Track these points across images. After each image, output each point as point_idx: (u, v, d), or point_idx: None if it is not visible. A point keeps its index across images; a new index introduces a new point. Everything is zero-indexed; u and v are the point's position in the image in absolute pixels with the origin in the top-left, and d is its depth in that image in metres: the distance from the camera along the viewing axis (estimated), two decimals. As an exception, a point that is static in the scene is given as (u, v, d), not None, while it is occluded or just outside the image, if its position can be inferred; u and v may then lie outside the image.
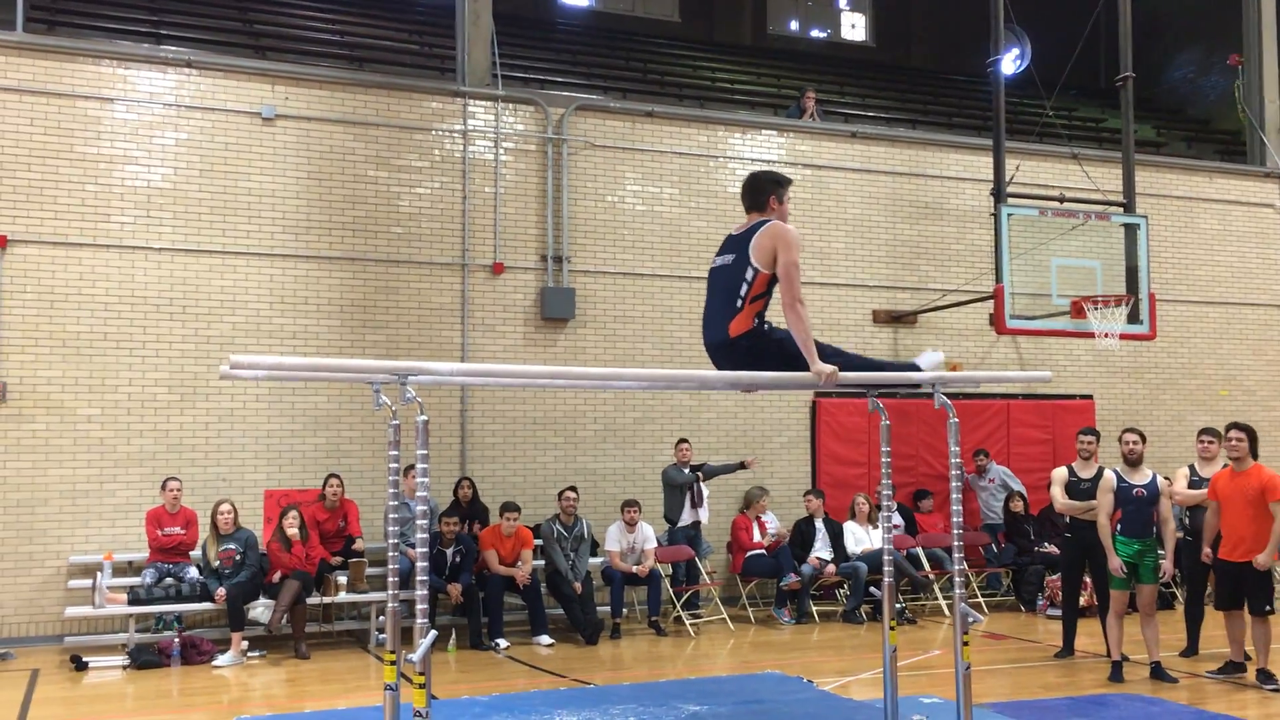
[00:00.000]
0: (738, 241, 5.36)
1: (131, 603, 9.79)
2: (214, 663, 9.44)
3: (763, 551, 11.79)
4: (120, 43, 11.35)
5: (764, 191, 5.45)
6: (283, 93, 11.59)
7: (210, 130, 11.32)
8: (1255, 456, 8.38)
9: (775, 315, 5.33)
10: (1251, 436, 8.37)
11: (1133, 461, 8.58)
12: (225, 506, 10.13)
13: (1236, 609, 8.40)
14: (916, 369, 5.64)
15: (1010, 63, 12.59)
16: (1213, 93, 18.81)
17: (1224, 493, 8.37)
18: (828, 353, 5.39)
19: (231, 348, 10.92)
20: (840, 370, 5.19)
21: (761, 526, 11.93)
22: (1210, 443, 9.08)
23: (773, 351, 5.26)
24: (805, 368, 5.13)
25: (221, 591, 9.77)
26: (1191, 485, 9.10)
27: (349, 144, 11.79)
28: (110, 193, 10.93)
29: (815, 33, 20.38)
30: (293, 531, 10.02)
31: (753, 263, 5.23)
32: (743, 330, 5.26)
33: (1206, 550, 8.69)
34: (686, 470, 11.76)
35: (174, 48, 11.69)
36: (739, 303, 5.26)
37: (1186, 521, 9.53)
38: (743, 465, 11.94)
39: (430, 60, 14.48)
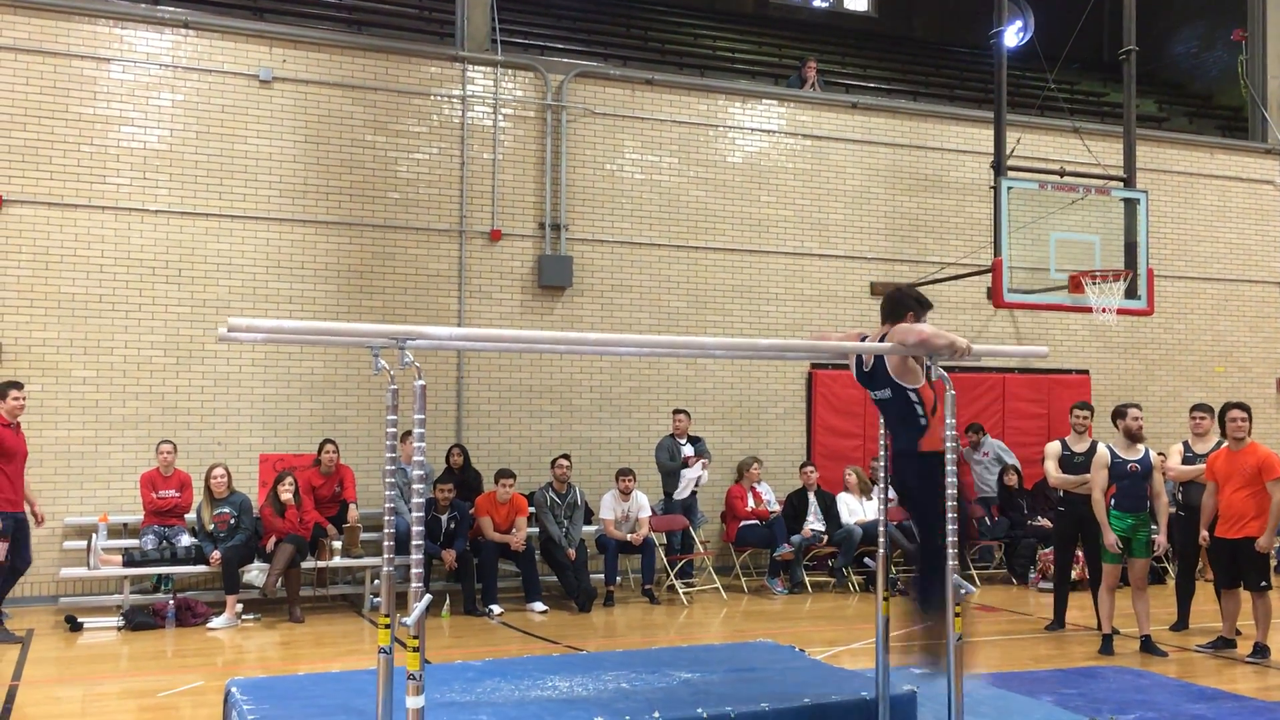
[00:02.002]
0: (880, 370, 5.36)
1: (127, 565, 9.82)
2: (209, 625, 9.48)
3: (756, 521, 11.83)
4: (117, 2, 11.24)
5: (904, 307, 5.48)
6: (280, 55, 11.51)
7: (207, 92, 11.24)
8: (1249, 435, 8.42)
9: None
10: (1250, 416, 8.41)
11: (1136, 437, 8.58)
12: (218, 470, 10.14)
13: (1233, 586, 8.45)
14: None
15: (1013, 35, 12.52)
16: (1215, 68, 18.73)
17: (1221, 471, 8.40)
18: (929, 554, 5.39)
19: (228, 311, 10.90)
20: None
21: (756, 495, 11.95)
22: (1202, 418, 9.10)
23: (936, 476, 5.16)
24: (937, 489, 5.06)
25: (216, 554, 9.80)
26: (1185, 461, 9.13)
27: (347, 108, 11.72)
28: (106, 154, 10.87)
29: (817, 2, 20.22)
30: (287, 496, 10.03)
31: (904, 387, 5.31)
32: (936, 446, 5.22)
33: (1204, 534, 8.69)
34: (684, 443, 11.78)
35: (171, 8, 11.59)
36: (923, 422, 5.34)
37: (1179, 497, 9.56)
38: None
39: (429, 24, 14.36)
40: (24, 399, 9.19)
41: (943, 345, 5.06)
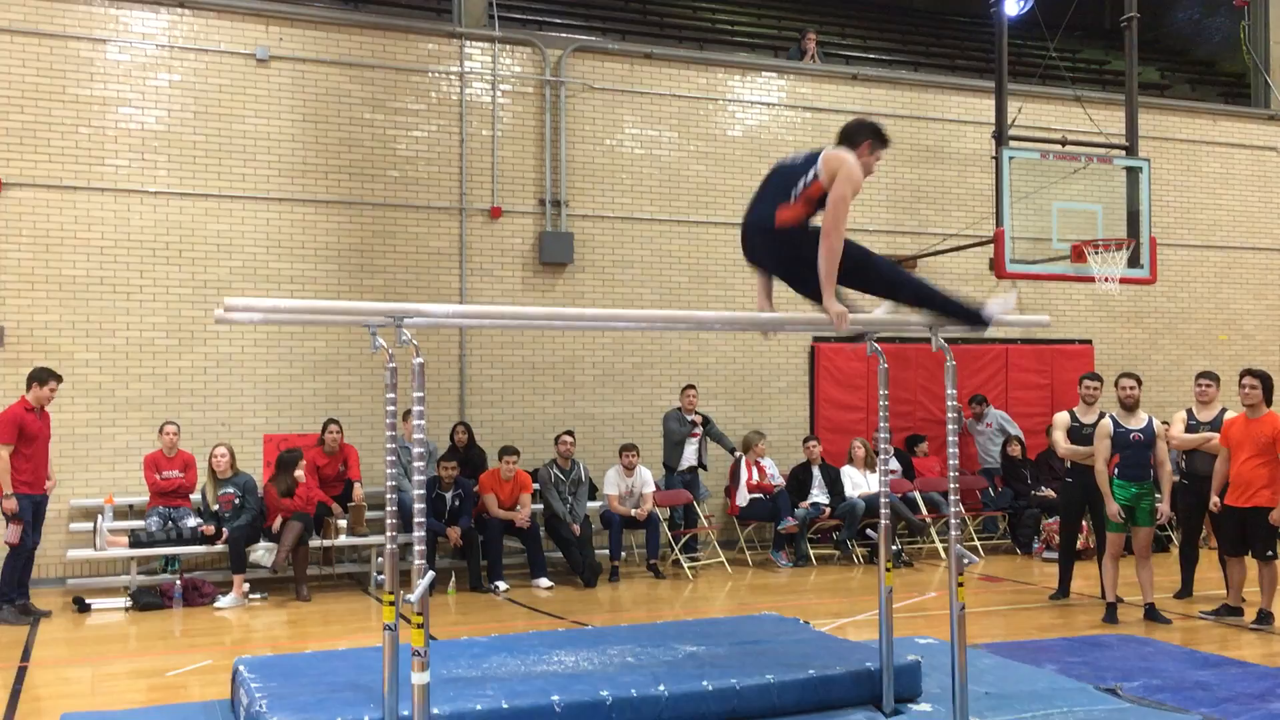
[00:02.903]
0: (814, 153, 5.19)
1: (133, 546, 9.86)
2: (216, 604, 9.53)
3: (761, 495, 11.84)
4: (111, -18, 11.19)
5: (861, 135, 5.29)
6: (277, 33, 11.45)
7: (204, 72, 11.20)
8: (1270, 404, 8.34)
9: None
10: (1266, 383, 8.31)
11: (1129, 406, 8.59)
12: (220, 450, 10.16)
13: (1240, 554, 8.45)
14: (978, 314, 5.29)
15: (1013, 4, 12.39)
16: (1218, 35, 18.60)
17: (1236, 439, 8.34)
18: (896, 278, 5.27)
19: (229, 292, 10.89)
20: (902, 301, 5.08)
21: (761, 470, 11.96)
22: (1207, 386, 9.09)
23: (809, 259, 5.02)
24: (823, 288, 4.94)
25: (211, 529, 9.82)
26: (1189, 429, 9.12)
27: (344, 86, 11.67)
28: (104, 135, 10.84)
29: (816, -27, 20.05)
30: (300, 474, 10.06)
31: (818, 167, 5.06)
32: (787, 223, 5.07)
33: (1215, 500, 8.62)
34: (690, 418, 11.79)
35: (166, -13, 11.53)
36: (792, 195, 5.07)
37: (1183, 465, 9.56)
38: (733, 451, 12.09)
39: (426, 1, 14.28)
40: (56, 390, 9.29)
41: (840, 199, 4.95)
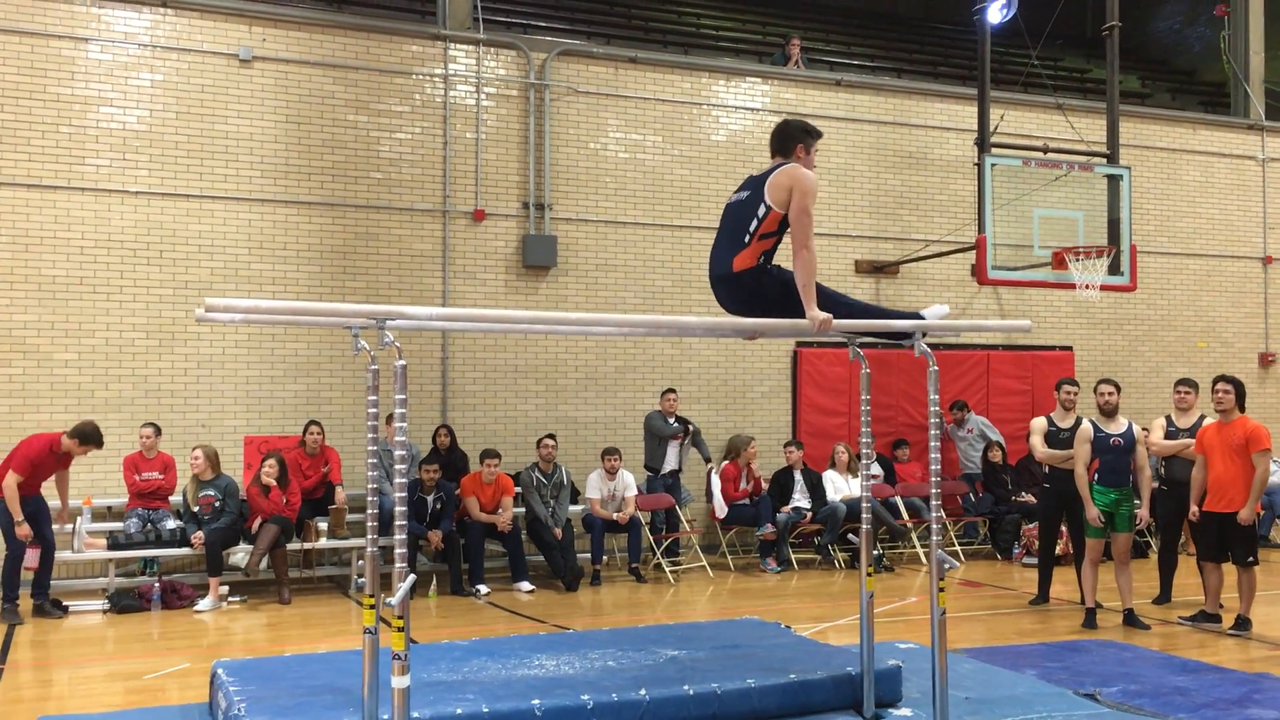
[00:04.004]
0: (756, 181, 5.27)
1: (111, 548, 9.79)
2: (195, 608, 9.47)
3: (744, 500, 11.84)
4: (94, -19, 11.14)
5: (793, 139, 5.33)
6: (260, 34, 11.41)
7: (187, 72, 11.15)
8: (1242, 409, 8.38)
9: (785, 258, 5.25)
10: (1239, 389, 8.37)
11: (1108, 412, 8.64)
12: (197, 452, 10.09)
13: (1219, 560, 8.49)
14: (920, 319, 5.50)
15: (996, 11, 12.46)
16: (1198, 44, 18.75)
17: (1210, 444, 8.40)
18: (836, 300, 5.33)
19: (210, 293, 10.84)
20: (840, 318, 5.16)
21: (751, 473, 11.93)
22: (1186, 393, 9.15)
23: (775, 293, 5.17)
24: (803, 312, 5.06)
25: (199, 536, 9.77)
26: (1168, 435, 9.18)
27: (328, 87, 11.64)
28: (85, 135, 10.78)
29: (801, -21, 20.12)
30: (270, 481, 10.01)
31: (766, 200, 5.13)
32: (746, 266, 5.19)
33: (1195, 509, 8.61)
34: (673, 421, 11.79)
35: (149, -13, 11.48)
36: (746, 238, 5.18)
37: (1162, 471, 9.61)
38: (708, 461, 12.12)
39: (411, 3, 14.27)
40: (87, 454, 9.41)
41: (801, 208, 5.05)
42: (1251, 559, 8.29)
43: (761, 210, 5.16)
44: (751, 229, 5.18)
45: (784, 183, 5.15)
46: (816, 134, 5.43)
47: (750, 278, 5.22)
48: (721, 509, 11.75)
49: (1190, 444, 8.84)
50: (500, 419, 12.12)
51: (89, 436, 9.18)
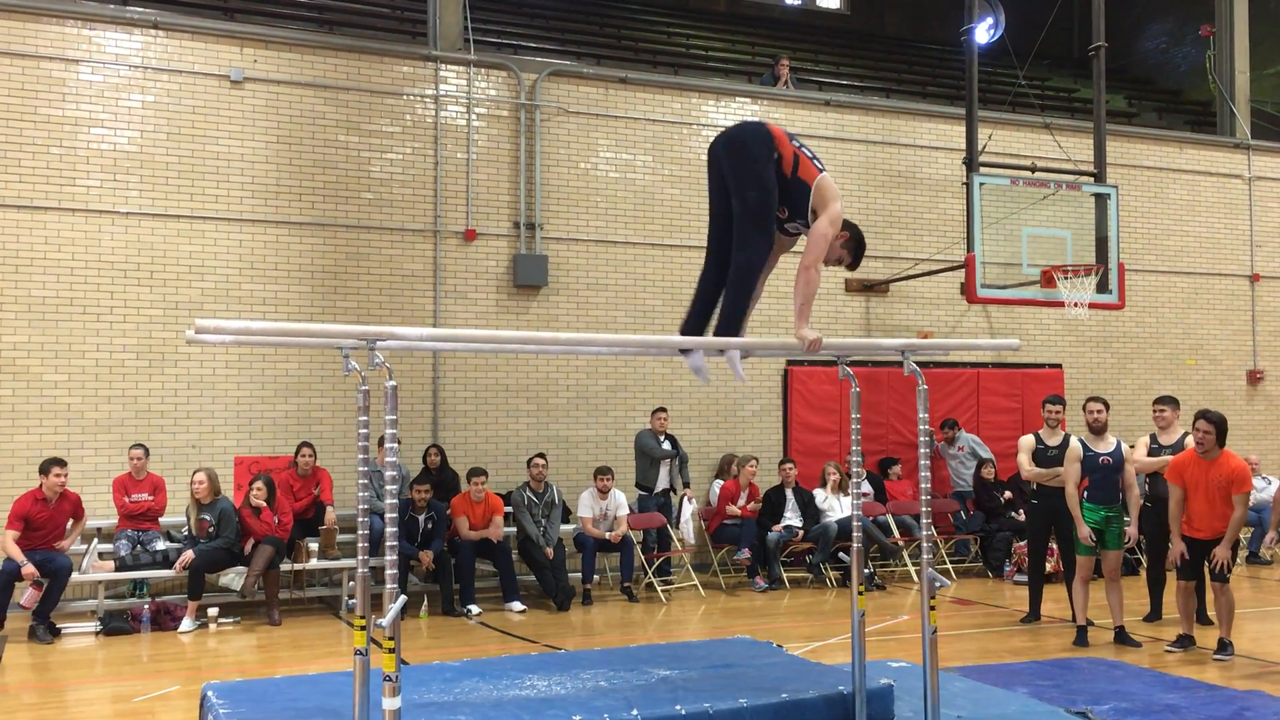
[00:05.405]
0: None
1: (118, 569, 9.77)
2: (179, 630, 9.42)
3: (737, 520, 11.84)
4: (85, 2, 11.16)
5: None
6: (251, 55, 11.44)
7: (177, 93, 11.17)
8: (1223, 445, 8.06)
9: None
10: (1219, 427, 8.02)
11: (1097, 430, 8.66)
12: (199, 475, 10.00)
13: (1194, 579, 8.43)
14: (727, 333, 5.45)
15: (984, 32, 12.57)
16: (1184, 63, 18.92)
17: (1190, 478, 8.13)
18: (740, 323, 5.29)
19: (200, 314, 10.83)
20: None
21: (753, 490, 11.93)
22: (1162, 411, 9.12)
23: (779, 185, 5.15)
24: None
25: (188, 555, 9.66)
26: (1151, 453, 9.16)
27: (319, 108, 11.67)
28: (76, 156, 10.79)
29: (789, 0, 20.27)
30: (259, 502, 9.97)
31: (809, 194, 5.17)
32: (784, 148, 5.20)
33: (1182, 550, 8.20)
34: (663, 439, 11.79)
35: (140, 8, 11.51)
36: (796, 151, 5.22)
37: (1147, 488, 9.63)
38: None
39: (402, 24, 14.34)
40: (65, 475, 9.47)
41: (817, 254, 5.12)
42: (1227, 574, 8.15)
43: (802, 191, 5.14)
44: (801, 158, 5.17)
45: (825, 198, 5.18)
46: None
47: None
48: (690, 539, 11.76)
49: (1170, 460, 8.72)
50: (491, 438, 12.11)
51: (43, 466, 9.40)
